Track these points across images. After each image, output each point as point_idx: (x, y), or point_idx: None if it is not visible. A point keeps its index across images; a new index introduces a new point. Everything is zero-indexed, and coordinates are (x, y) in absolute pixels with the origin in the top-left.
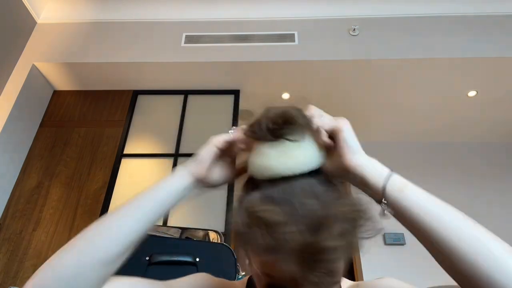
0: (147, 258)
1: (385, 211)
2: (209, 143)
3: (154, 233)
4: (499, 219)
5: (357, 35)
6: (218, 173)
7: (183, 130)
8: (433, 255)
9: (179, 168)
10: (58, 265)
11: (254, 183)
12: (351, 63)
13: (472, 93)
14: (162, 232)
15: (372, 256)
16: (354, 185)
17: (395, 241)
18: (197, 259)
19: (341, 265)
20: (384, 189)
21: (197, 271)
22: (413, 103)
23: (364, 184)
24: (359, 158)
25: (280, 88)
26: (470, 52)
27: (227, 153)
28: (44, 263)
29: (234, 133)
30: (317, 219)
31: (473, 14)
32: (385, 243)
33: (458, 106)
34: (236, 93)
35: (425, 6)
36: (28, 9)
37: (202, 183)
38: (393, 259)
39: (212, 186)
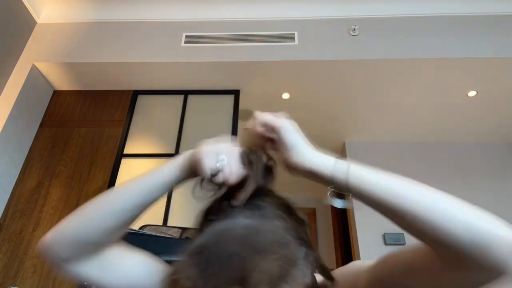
0: None
1: (333, 197)
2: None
3: (154, 233)
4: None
5: (357, 35)
6: None
7: (183, 130)
8: (394, 222)
9: (180, 160)
10: (67, 228)
11: (206, 218)
12: (351, 63)
13: (472, 93)
14: (162, 232)
15: (372, 256)
16: (304, 177)
17: (395, 241)
18: None
19: None
20: (332, 176)
21: None
22: (413, 103)
23: (313, 176)
24: (301, 155)
25: (280, 88)
26: (470, 52)
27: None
28: (55, 227)
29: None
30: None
31: (473, 14)
32: (385, 243)
33: (458, 106)
34: (236, 93)
35: (425, 6)
36: (28, 9)
37: None
38: None
39: None
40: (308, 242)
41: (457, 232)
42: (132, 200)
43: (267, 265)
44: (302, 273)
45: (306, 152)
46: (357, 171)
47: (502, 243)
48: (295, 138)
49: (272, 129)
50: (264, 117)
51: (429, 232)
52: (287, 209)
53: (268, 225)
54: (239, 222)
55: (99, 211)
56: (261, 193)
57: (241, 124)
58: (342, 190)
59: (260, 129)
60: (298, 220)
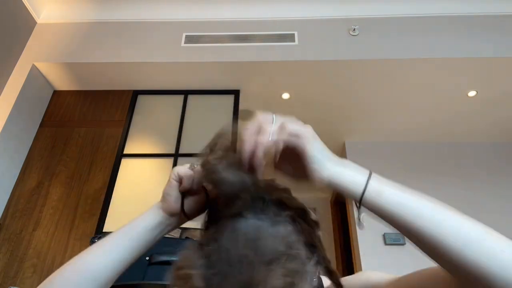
0: (147, 258)
1: (360, 220)
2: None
3: None
4: (499, 218)
5: (357, 35)
6: (191, 204)
7: (183, 130)
8: (419, 247)
9: (152, 206)
10: None
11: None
12: (351, 63)
13: (472, 93)
14: None
15: (372, 256)
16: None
17: (395, 241)
18: None
19: None
20: (362, 197)
21: None
22: (413, 103)
23: (341, 193)
24: (328, 169)
25: (280, 88)
26: (470, 52)
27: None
28: None
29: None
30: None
31: (473, 14)
32: (385, 243)
33: (458, 106)
34: (236, 93)
35: (425, 6)
36: (28, 9)
37: (176, 217)
38: (393, 259)
39: (188, 218)
40: (319, 247)
41: (491, 266)
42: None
43: (273, 279)
44: (310, 282)
45: (332, 167)
46: (389, 192)
47: None
48: (321, 149)
49: (294, 136)
50: (286, 123)
51: (459, 262)
52: (301, 211)
53: (281, 230)
54: (252, 223)
55: (79, 275)
56: (277, 191)
57: (241, 124)
58: (371, 209)
59: (279, 137)
60: (311, 223)
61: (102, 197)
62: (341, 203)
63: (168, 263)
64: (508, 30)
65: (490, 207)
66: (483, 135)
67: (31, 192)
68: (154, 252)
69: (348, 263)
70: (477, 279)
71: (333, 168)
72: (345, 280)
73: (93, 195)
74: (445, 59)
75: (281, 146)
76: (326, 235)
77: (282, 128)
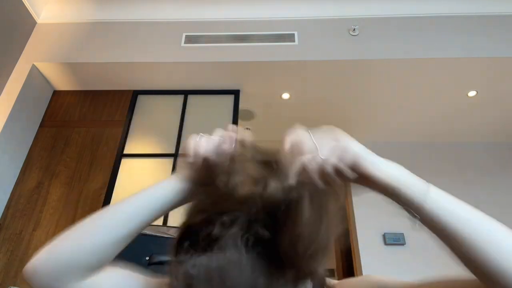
0: (147, 258)
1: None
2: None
3: (154, 233)
4: (499, 218)
5: (357, 35)
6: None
7: (183, 130)
8: (464, 259)
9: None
10: (55, 251)
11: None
12: (351, 63)
13: (472, 93)
14: (162, 232)
15: (372, 256)
16: (377, 192)
17: (395, 241)
18: None
19: None
20: (421, 207)
21: None
22: (413, 103)
23: (395, 196)
24: (386, 170)
25: (280, 88)
26: (470, 52)
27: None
28: (42, 249)
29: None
30: None
31: (473, 14)
32: (385, 243)
33: (458, 106)
34: (236, 93)
35: (425, 6)
36: (28, 9)
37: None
38: (393, 259)
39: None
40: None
41: None
42: (130, 214)
43: None
44: None
45: (388, 167)
46: (446, 202)
47: None
48: (370, 152)
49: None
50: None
51: (499, 276)
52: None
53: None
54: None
55: (96, 227)
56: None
57: (241, 124)
58: (415, 213)
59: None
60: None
61: (102, 197)
62: None
63: (166, 263)
64: (508, 30)
65: (490, 207)
66: (483, 135)
67: (31, 192)
68: (154, 252)
69: (348, 263)
70: None
71: (390, 171)
72: (348, 281)
73: (93, 195)
74: (445, 59)
75: (333, 165)
76: None
77: (331, 147)
